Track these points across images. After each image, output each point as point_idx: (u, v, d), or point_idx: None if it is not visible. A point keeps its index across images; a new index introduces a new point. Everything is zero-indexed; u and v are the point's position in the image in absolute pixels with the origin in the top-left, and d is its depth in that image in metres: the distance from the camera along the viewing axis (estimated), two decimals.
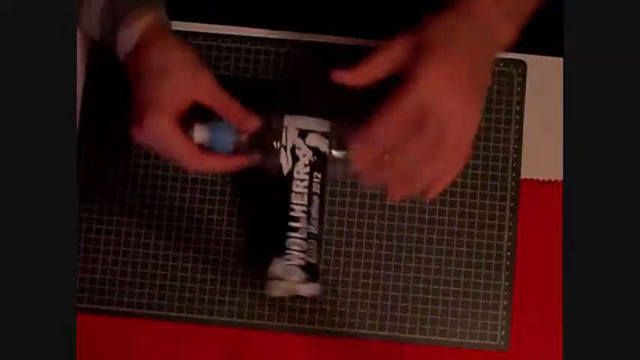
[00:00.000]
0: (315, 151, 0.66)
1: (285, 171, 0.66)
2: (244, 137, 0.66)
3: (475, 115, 0.58)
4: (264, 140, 0.66)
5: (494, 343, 0.74)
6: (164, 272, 0.76)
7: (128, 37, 0.65)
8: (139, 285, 0.76)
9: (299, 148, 0.66)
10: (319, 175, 0.66)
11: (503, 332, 0.75)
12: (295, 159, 0.66)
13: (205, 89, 0.64)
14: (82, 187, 0.77)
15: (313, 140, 0.66)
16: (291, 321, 0.75)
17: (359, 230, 0.76)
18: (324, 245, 0.75)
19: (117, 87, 0.78)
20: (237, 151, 0.67)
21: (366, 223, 0.76)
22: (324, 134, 0.66)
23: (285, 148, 0.66)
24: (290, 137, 0.66)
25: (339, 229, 0.76)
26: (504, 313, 0.75)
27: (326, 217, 0.76)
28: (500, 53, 0.63)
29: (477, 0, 0.60)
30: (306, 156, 0.66)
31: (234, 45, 0.78)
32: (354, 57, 0.78)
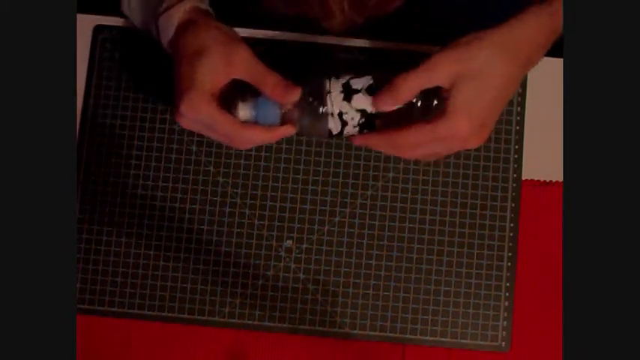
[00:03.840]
0: (363, 112, 0.63)
1: (335, 132, 0.65)
2: (289, 107, 0.64)
3: (483, 140, 0.62)
4: (310, 108, 0.64)
5: (495, 343, 0.74)
6: (164, 273, 0.76)
7: (167, 26, 0.66)
8: (139, 286, 0.76)
9: (346, 112, 0.63)
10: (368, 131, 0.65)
11: (504, 333, 0.74)
12: (344, 123, 0.64)
13: (242, 65, 0.63)
14: (82, 187, 0.77)
15: (359, 102, 0.63)
16: (291, 322, 0.75)
17: (359, 231, 0.76)
18: (324, 246, 0.75)
19: (117, 87, 0.78)
20: (283, 121, 0.65)
21: (366, 223, 0.76)
22: (368, 90, 0.63)
23: (332, 114, 0.63)
24: (336, 102, 0.63)
25: (340, 229, 0.76)
26: (505, 314, 0.75)
27: (327, 218, 0.76)
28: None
29: (525, 26, 0.61)
30: (354, 119, 0.64)
31: None
32: (353, 57, 0.79)
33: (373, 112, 0.63)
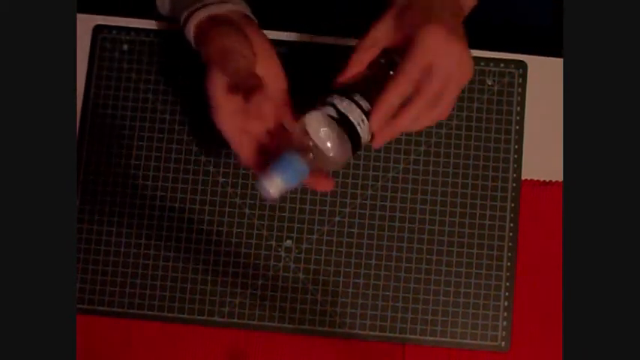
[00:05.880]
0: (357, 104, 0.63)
1: (367, 139, 0.63)
2: (308, 145, 0.62)
3: (469, 57, 0.62)
4: (333, 129, 0.62)
5: (494, 343, 0.74)
6: (164, 273, 0.76)
7: (188, 31, 0.67)
8: (139, 286, 0.76)
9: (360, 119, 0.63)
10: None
11: (504, 333, 0.75)
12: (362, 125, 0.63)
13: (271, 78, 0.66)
14: (82, 187, 0.77)
15: (325, 135, 0.62)
16: (291, 322, 0.75)
17: (360, 231, 0.76)
18: (324, 246, 0.76)
19: (117, 87, 0.78)
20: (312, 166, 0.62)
21: (366, 223, 0.76)
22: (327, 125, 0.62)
23: (359, 124, 0.62)
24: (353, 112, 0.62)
25: (340, 229, 0.76)
26: (505, 314, 0.75)
27: (327, 218, 0.76)
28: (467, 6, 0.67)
29: None
30: (361, 117, 0.62)
31: None
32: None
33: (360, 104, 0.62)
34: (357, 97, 0.62)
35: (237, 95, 0.64)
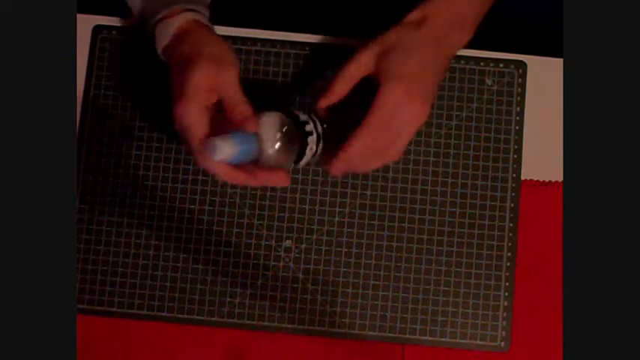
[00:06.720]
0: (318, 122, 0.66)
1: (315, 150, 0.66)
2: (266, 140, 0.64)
3: (427, 112, 0.65)
4: (290, 134, 0.64)
5: (494, 343, 0.74)
6: (164, 273, 0.76)
7: (164, 33, 0.68)
8: (139, 286, 0.76)
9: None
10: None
11: (503, 333, 0.75)
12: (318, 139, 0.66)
13: (226, 84, 0.65)
14: (82, 187, 0.77)
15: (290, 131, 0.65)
16: (291, 322, 0.75)
17: (359, 231, 0.76)
18: (323, 246, 0.76)
19: (116, 87, 0.78)
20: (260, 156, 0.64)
21: (366, 223, 0.76)
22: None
23: (313, 132, 0.66)
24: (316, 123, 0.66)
25: (339, 229, 0.76)
26: (504, 314, 0.75)
27: (326, 218, 0.76)
28: (454, 55, 0.69)
29: (432, 11, 0.66)
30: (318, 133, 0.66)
31: (234, 46, 0.78)
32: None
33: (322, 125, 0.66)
34: (317, 120, 0.66)
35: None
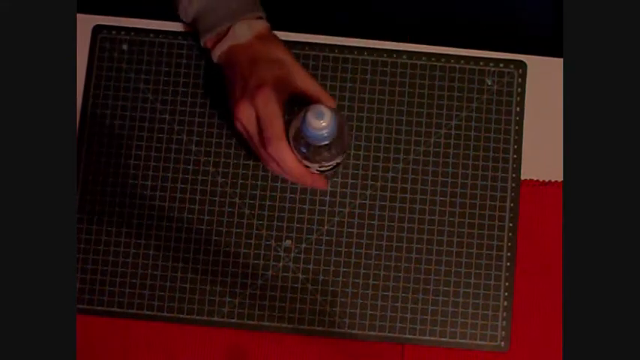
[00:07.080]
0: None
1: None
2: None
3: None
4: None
5: (494, 343, 0.74)
6: (163, 273, 0.76)
7: (242, 31, 0.70)
8: (139, 286, 0.76)
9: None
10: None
11: (503, 333, 0.75)
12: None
13: (295, 86, 0.69)
14: (81, 187, 0.77)
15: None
16: (291, 322, 0.75)
17: (359, 231, 0.76)
18: (323, 246, 0.76)
19: (116, 87, 0.78)
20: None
21: (366, 223, 0.76)
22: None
23: None
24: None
25: (339, 229, 0.76)
26: (504, 314, 0.75)
27: (326, 218, 0.76)
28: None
29: None
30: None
31: None
32: (354, 58, 0.79)
33: None
34: None
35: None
